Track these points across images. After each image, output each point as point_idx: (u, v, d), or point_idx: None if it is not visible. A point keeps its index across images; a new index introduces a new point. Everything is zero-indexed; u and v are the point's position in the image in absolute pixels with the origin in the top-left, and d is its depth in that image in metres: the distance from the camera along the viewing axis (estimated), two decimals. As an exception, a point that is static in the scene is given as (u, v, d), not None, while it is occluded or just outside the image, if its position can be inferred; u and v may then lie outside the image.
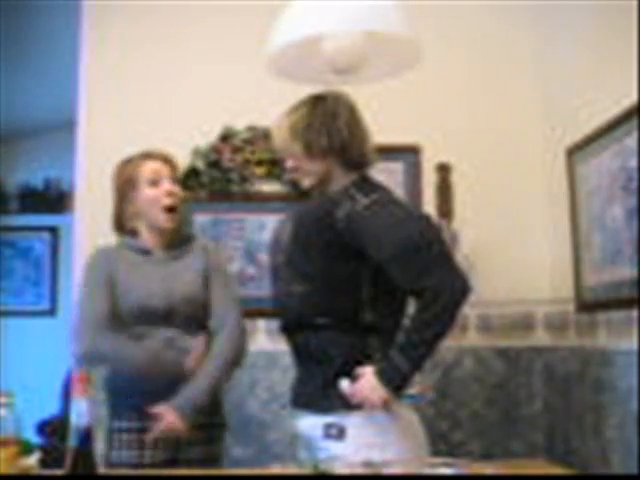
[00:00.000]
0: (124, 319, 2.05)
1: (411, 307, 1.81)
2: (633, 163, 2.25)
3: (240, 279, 2.84)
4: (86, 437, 1.28)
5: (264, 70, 2.14)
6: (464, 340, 2.95)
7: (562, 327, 2.87)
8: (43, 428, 4.19)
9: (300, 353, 1.90)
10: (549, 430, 2.92)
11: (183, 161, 2.73)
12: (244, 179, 2.96)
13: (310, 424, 1.82)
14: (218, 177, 2.94)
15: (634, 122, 2.23)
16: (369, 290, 1.81)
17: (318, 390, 1.82)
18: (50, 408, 4.46)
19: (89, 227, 2.84)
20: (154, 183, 2.10)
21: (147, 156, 2.14)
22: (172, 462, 2.02)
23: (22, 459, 1.59)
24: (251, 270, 2.92)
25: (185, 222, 2.37)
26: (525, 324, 3.01)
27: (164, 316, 2.04)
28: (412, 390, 2.13)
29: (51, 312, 5.63)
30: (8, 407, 1.50)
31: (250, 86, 2.90)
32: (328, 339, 1.81)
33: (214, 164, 2.94)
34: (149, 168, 2.11)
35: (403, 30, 1.99)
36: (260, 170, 2.96)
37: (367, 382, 1.73)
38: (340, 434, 1.74)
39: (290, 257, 1.87)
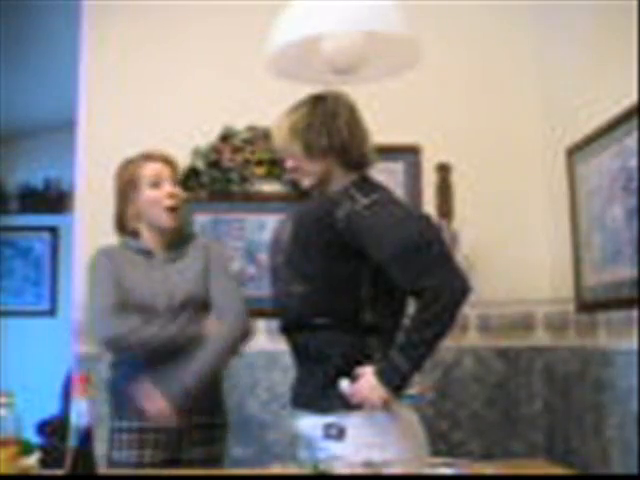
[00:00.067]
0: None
1: (411, 307, 1.81)
2: (633, 163, 2.25)
3: (240, 279, 2.84)
4: (86, 437, 1.28)
5: (264, 70, 2.14)
6: (464, 340, 2.95)
7: (562, 327, 2.87)
8: (43, 428, 4.20)
9: (300, 353, 1.90)
10: (549, 430, 2.92)
11: (183, 161, 2.72)
12: (244, 179, 2.96)
13: (310, 424, 1.82)
14: (218, 177, 2.94)
15: (634, 122, 2.23)
16: (369, 290, 1.81)
17: (318, 390, 1.82)
18: (50, 408, 4.46)
19: (89, 227, 2.84)
20: (155, 185, 2.11)
21: (148, 157, 2.14)
22: (174, 462, 2.03)
23: (22, 459, 1.59)
24: (251, 270, 2.92)
25: (186, 222, 2.37)
26: (525, 324, 3.01)
27: (167, 316, 2.04)
28: (412, 390, 2.13)
29: (51, 312, 5.64)
30: (8, 407, 1.50)
31: (250, 86, 2.90)
32: (328, 339, 1.81)
33: (214, 164, 2.94)
34: (150, 169, 2.12)
35: (403, 30, 1.99)
36: (260, 170, 2.96)
37: (367, 382, 1.73)
38: (340, 434, 1.74)
39: (290, 257, 1.87)
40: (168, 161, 2.16)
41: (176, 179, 2.16)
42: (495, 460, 2.73)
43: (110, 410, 2.10)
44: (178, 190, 2.14)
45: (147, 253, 2.13)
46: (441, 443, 2.83)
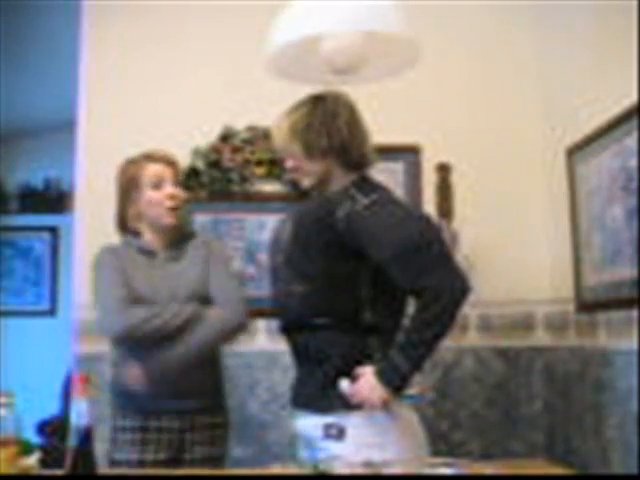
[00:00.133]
0: None
1: (411, 307, 1.81)
2: (633, 163, 2.25)
3: (240, 279, 2.84)
4: (86, 437, 1.28)
5: (264, 70, 2.14)
6: (464, 340, 2.95)
7: (562, 327, 2.87)
8: (43, 428, 4.20)
9: (300, 353, 1.90)
10: (549, 430, 2.92)
11: (183, 161, 2.72)
12: (244, 179, 2.96)
13: (310, 424, 1.82)
14: (218, 177, 2.94)
15: (634, 122, 2.23)
16: (369, 290, 1.81)
17: (318, 390, 1.82)
18: (50, 408, 4.46)
19: (89, 227, 2.84)
20: (156, 186, 2.11)
21: (150, 157, 2.14)
22: (176, 461, 2.03)
23: (22, 459, 1.59)
24: (251, 270, 2.92)
25: (186, 221, 2.38)
26: (525, 324, 3.01)
27: None
28: (412, 390, 2.13)
29: (51, 312, 5.63)
30: (8, 407, 1.49)
31: (250, 86, 2.90)
32: (328, 339, 1.81)
33: (214, 164, 2.94)
34: (152, 170, 2.12)
35: (402, 30, 1.99)
36: (260, 170, 2.96)
37: (367, 382, 1.73)
38: (340, 434, 1.74)
39: (290, 257, 1.87)
40: (170, 162, 2.16)
41: (177, 180, 2.16)
42: (495, 460, 2.73)
43: (112, 409, 2.10)
44: (179, 191, 2.14)
45: (149, 253, 2.14)
46: (441, 443, 2.83)
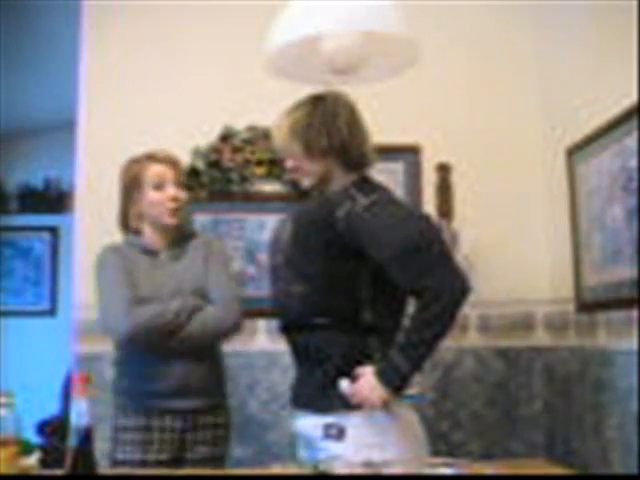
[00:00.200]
0: None
1: (411, 307, 1.81)
2: (633, 163, 2.25)
3: (240, 279, 2.84)
4: (86, 437, 1.28)
5: (264, 70, 2.14)
6: (464, 340, 2.95)
7: (562, 327, 2.87)
8: (43, 428, 4.20)
9: (300, 353, 1.90)
10: (549, 430, 2.92)
11: (183, 161, 2.71)
12: (244, 179, 2.96)
13: (310, 424, 1.82)
14: (218, 177, 2.94)
15: (634, 122, 2.23)
16: (369, 290, 1.81)
17: (318, 390, 1.82)
18: (50, 408, 4.46)
19: (89, 227, 2.84)
20: (158, 187, 2.11)
21: (153, 158, 2.14)
22: (177, 461, 2.03)
23: (22, 459, 1.59)
24: (251, 270, 2.92)
25: (187, 220, 2.38)
26: (525, 324, 3.01)
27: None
28: (412, 390, 2.13)
29: (51, 312, 5.63)
30: (8, 407, 1.49)
31: (250, 86, 2.89)
32: (328, 339, 1.81)
33: (214, 164, 2.94)
34: (154, 171, 2.12)
35: (402, 30, 1.99)
36: (260, 170, 2.96)
37: (367, 382, 1.73)
38: (340, 434, 1.74)
39: (290, 257, 1.87)
40: (172, 162, 2.16)
41: (179, 181, 2.15)
42: (495, 460, 2.73)
43: (114, 408, 2.10)
44: (181, 193, 2.14)
45: (151, 252, 2.14)
46: (441, 443, 2.83)
